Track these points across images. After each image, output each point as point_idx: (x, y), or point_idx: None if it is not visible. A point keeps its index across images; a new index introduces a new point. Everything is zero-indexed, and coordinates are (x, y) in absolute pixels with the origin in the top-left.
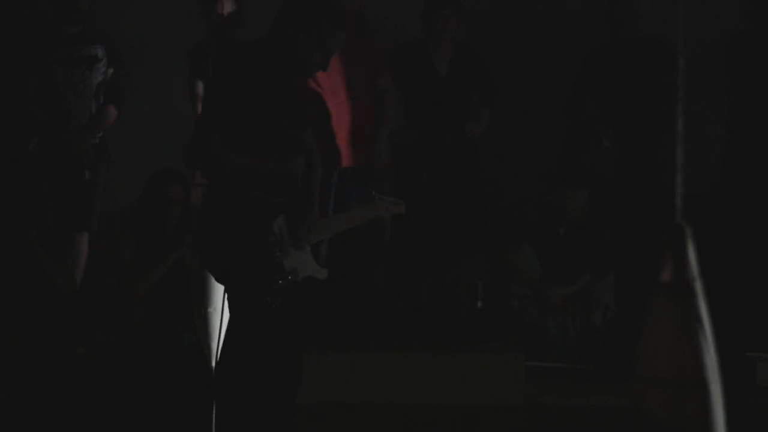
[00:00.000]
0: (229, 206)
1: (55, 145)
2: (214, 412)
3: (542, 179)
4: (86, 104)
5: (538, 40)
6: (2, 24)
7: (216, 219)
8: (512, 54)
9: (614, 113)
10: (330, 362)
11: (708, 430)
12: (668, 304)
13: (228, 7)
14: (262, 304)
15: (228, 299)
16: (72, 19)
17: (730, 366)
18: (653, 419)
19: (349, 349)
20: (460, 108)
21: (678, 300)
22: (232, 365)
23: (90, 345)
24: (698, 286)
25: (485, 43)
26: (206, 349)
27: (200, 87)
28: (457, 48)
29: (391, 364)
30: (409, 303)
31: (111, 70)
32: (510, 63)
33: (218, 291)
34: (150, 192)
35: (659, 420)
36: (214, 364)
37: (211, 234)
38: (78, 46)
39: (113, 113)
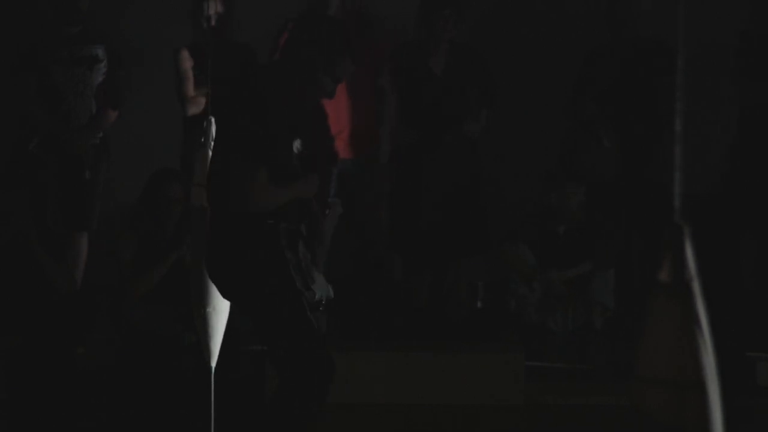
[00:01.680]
0: (264, 241)
1: (55, 145)
2: (213, 412)
3: (542, 179)
4: (86, 104)
5: (538, 40)
6: (2, 24)
7: (251, 254)
8: (512, 54)
9: (614, 113)
10: None
11: (708, 430)
12: (667, 304)
13: (217, 8)
14: (298, 333)
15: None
16: (72, 19)
17: (730, 366)
18: (653, 419)
19: (349, 349)
20: (458, 108)
21: (677, 300)
22: (232, 365)
23: (90, 345)
24: (697, 286)
25: (485, 43)
26: (206, 349)
27: (190, 87)
28: (455, 48)
29: (391, 364)
30: (409, 303)
31: (111, 70)
32: (510, 63)
33: (218, 291)
34: (150, 192)
35: (659, 420)
36: (214, 364)
37: (245, 269)
38: (78, 46)
39: (113, 113)
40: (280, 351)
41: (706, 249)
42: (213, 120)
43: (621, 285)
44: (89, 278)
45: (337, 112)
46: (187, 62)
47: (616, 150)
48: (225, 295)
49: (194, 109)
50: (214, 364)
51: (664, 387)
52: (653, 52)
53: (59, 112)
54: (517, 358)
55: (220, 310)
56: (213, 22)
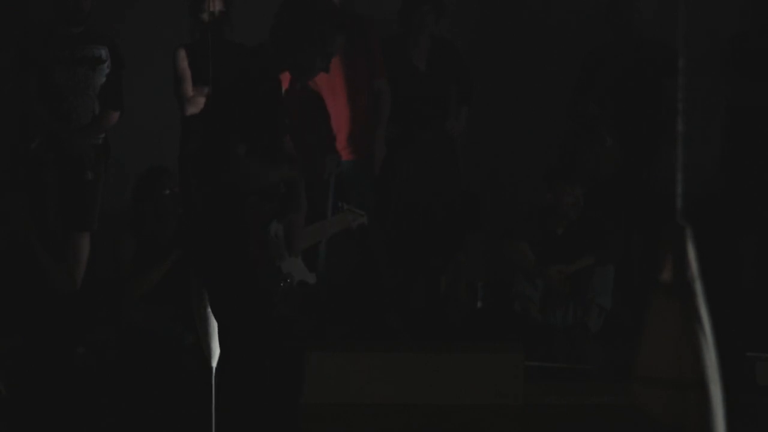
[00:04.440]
0: (227, 213)
1: (56, 145)
2: (213, 411)
3: (542, 178)
4: (88, 104)
5: (539, 40)
6: (3, 24)
7: (214, 225)
8: (513, 53)
9: (616, 113)
10: (330, 362)
11: (708, 430)
12: (668, 304)
13: (217, 7)
14: (259, 307)
15: (219, 303)
16: (74, 20)
17: (730, 366)
18: (653, 419)
19: (349, 349)
20: (439, 104)
21: (678, 300)
22: (232, 365)
23: (90, 345)
24: (698, 286)
25: (487, 43)
26: (206, 349)
27: (189, 87)
28: (434, 42)
29: (391, 364)
30: (408, 304)
31: (113, 71)
32: (511, 62)
33: None
34: (146, 191)
35: (659, 420)
36: (213, 364)
37: (208, 240)
38: (80, 47)
39: (115, 114)
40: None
41: (706, 249)
42: None
43: (620, 285)
44: (89, 278)
45: (336, 111)
46: (184, 62)
47: (618, 149)
48: (198, 271)
49: (192, 109)
50: (214, 364)
51: (665, 387)
52: (657, 53)
53: (60, 112)
54: (517, 358)
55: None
56: (212, 18)
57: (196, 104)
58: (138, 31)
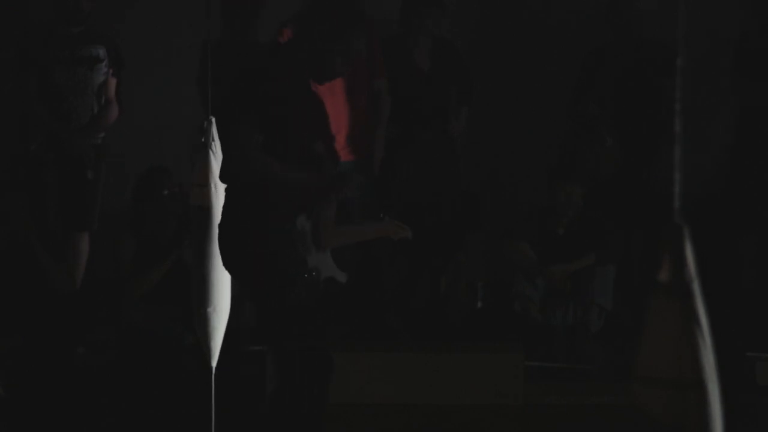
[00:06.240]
0: (255, 204)
1: (56, 145)
2: (213, 412)
3: (542, 178)
4: (87, 104)
5: (539, 40)
6: (3, 24)
7: (241, 216)
8: (513, 53)
9: (616, 113)
10: None
11: (707, 430)
12: (667, 304)
13: (243, 7)
14: (284, 299)
15: (251, 297)
16: (74, 19)
17: (730, 366)
18: (653, 419)
19: (349, 349)
20: (439, 104)
21: (676, 300)
22: (233, 364)
23: (90, 345)
24: (696, 287)
25: (487, 43)
26: (206, 349)
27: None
28: (435, 42)
29: (391, 364)
30: (409, 303)
31: (112, 71)
32: (511, 62)
33: (218, 291)
34: (146, 191)
35: (659, 420)
36: (213, 364)
37: (236, 232)
38: (79, 46)
39: (114, 113)
40: (273, 335)
41: (706, 249)
42: (213, 120)
43: (621, 285)
44: (89, 278)
45: (335, 112)
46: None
47: (618, 149)
48: (225, 266)
49: None
50: (214, 364)
51: (664, 387)
52: (655, 53)
53: (60, 112)
54: (517, 358)
55: (220, 310)
56: (230, 21)
57: None
58: (138, 31)
